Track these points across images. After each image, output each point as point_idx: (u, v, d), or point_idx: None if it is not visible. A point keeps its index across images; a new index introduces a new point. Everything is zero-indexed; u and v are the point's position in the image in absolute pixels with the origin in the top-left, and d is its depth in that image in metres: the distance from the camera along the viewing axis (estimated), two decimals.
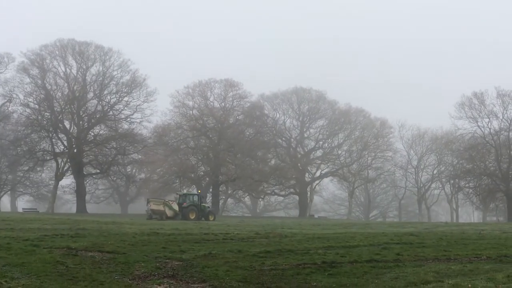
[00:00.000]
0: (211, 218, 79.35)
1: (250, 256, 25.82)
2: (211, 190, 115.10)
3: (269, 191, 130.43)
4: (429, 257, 26.12)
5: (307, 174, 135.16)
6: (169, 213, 77.41)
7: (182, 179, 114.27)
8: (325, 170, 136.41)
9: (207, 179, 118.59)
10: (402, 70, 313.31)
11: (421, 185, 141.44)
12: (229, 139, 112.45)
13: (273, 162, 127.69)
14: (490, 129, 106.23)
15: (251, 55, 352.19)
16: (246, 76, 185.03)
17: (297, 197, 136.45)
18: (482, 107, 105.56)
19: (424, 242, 34.04)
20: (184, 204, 79.30)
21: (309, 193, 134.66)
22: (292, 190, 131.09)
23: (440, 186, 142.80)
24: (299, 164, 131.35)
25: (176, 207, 78.58)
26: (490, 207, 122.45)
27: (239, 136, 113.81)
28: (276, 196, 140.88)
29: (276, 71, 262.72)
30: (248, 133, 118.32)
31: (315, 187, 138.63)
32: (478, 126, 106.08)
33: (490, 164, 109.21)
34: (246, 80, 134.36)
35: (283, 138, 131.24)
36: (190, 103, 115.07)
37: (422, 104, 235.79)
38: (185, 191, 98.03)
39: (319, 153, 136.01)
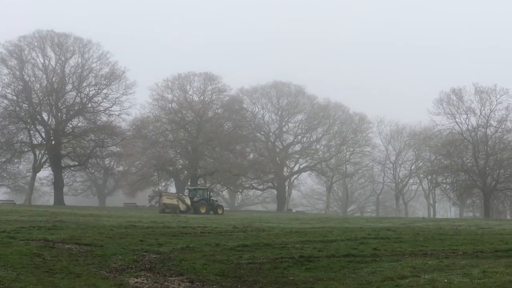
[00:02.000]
0: (219, 211, 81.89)
1: (228, 249, 25.84)
2: (189, 183, 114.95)
3: (247, 185, 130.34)
4: (406, 252, 26.26)
5: (285, 169, 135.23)
6: (182, 207, 79.62)
7: (161, 172, 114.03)
8: (303, 165, 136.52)
9: (186, 172, 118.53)
10: (381, 68, 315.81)
11: (399, 180, 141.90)
12: (207, 132, 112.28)
13: (251, 156, 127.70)
14: (468, 125, 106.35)
15: (232, 51, 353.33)
16: (226, 71, 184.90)
17: (275, 191, 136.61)
18: (460, 103, 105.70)
19: (401, 237, 34.21)
20: (195, 198, 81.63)
21: (287, 187, 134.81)
22: (270, 184, 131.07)
23: (418, 181, 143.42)
24: (277, 158, 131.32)
25: (188, 201, 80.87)
26: (467, 203, 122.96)
27: (217, 130, 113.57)
28: (254, 190, 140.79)
29: (257, 67, 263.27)
30: (226, 126, 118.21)
31: (293, 182, 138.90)
32: (456, 122, 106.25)
33: (468, 160, 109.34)
34: (226, 74, 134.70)
35: (262, 132, 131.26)
36: (169, 96, 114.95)
37: (401, 100, 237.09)
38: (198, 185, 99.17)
39: (297, 147, 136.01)
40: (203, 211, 79.35)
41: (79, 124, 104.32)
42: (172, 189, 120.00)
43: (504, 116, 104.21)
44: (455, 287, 17.06)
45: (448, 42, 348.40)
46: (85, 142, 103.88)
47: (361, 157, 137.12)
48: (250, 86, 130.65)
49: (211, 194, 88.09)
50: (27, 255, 21.55)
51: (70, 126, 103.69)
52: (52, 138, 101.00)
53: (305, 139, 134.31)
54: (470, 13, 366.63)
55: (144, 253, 24.05)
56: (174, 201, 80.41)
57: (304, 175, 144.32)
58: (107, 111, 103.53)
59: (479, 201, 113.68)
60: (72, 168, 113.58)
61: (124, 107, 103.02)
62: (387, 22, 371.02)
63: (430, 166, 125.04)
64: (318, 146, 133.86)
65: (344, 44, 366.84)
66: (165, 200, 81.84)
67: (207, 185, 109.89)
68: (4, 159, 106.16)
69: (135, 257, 22.75)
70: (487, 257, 25.02)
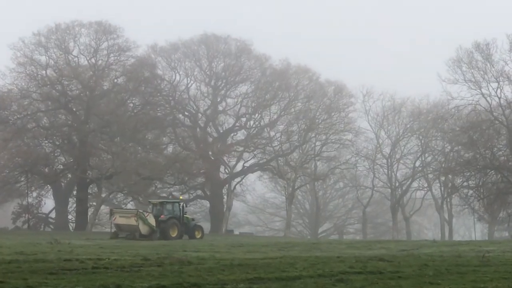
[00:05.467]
0: (197, 235, 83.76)
1: None
2: (75, 192, 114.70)
3: (164, 194, 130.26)
4: None
5: (222, 168, 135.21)
6: (143, 229, 79.89)
7: (31, 175, 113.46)
8: (250, 162, 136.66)
9: (69, 175, 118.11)
10: (367, 20, 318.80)
11: (397, 184, 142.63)
12: (102, 114, 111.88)
13: (170, 149, 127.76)
14: (499, 98, 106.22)
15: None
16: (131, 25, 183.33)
17: (207, 203, 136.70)
18: (488, 65, 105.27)
19: (400, 270, 34.55)
20: (162, 216, 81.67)
21: (226, 197, 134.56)
22: (199, 192, 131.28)
23: (425, 185, 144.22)
24: (210, 153, 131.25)
25: (152, 220, 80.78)
26: (500, 217, 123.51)
27: (117, 110, 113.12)
28: None
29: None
30: (132, 104, 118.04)
31: (234, 188, 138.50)
32: (482, 93, 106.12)
33: (500, 152, 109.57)
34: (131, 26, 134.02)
35: (186, 113, 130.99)
36: (43, 58, 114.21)
37: (398, 64, 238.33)
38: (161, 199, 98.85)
39: (241, 135, 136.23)
40: (174, 234, 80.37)
41: None
42: (49, 202, 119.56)
43: None
44: None
45: None
46: None
47: (339, 149, 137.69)
48: (168, 43, 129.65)
49: (185, 210, 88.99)
50: None
51: None
52: None
53: (252, 122, 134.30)
54: None
55: None
56: (132, 221, 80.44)
57: (252, 177, 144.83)
58: None
59: None
60: None
61: None
62: None
63: (444, 161, 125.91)
64: (272, 133, 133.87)
65: None
66: (119, 219, 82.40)
67: (104, 195, 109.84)
68: None
69: None
70: None
